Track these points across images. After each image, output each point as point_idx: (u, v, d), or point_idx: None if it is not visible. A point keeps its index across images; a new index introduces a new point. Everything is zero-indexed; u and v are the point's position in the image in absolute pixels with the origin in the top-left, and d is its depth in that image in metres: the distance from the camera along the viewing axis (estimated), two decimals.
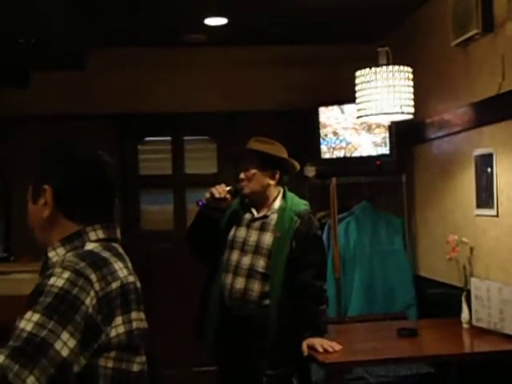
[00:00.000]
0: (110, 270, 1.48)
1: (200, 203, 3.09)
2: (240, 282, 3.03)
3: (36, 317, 1.35)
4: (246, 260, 3.05)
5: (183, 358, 4.87)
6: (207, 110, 5.04)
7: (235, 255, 3.09)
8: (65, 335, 1.34)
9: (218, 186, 3.09)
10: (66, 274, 1.41)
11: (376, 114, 3.20)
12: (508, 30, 3.11)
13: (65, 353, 1.33)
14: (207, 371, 4.74)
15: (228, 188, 3.09)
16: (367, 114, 3.23)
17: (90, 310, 1.39)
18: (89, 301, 1.39)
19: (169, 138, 5.28)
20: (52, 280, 1.40)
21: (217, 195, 3.06)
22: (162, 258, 5.03)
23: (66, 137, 4.54)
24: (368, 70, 3.22)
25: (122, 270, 1.52)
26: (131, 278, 1.55)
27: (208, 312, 3.11)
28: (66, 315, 1.36)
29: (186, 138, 5.27)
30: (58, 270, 1.43)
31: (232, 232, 3.13)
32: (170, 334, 4.74)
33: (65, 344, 1.34)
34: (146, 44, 4.74)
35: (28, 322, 1.35)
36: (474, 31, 3.33)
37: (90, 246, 1.53)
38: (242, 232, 3.12)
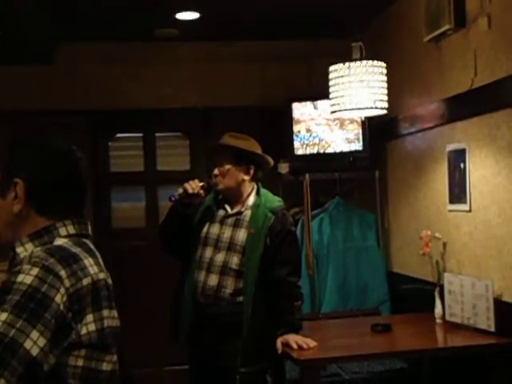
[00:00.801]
0: (80, 266, 1.44)
1: (173, 198, 3.05)
2: (213, 279, 3.00)
3: (4, 316, 1.31)
4: (220, 257, 3.02)
5: (155, 357, 4.82)
6: (180, 106, 4.99)
7: (209, 252, 3.05)
8: (34, 334, 1.30)
9: (191, 182, 3.05)
10: (35, 271, 1.36)
11: (350, 110, 3.20)
12: (480, 26, 3.12)
13: (34, 352, 1.29)
14: (179, 370, 4.70)
15: (201, 183, 3.06)
16: (341, 110, 3.22)
17: (61, 307, 1.35)
18: (59, 298, 1.35)
19: (140, 135, 5.21)
20: (20, 277, 1.36)
21: (190, 191, 3.02)
22: (134, 255, 4.97)
23: (36, 133, 4.49)
24: (341, 65, 3.21)
25: (92, 266, 1.48)
26: (102, 275, 1.51)
27: (181, 309, 3.07)
28: (36, 313, 1.32)
29: (158, 134, 5.21)
30: (25, 266, 1.38)
31: (205, 228, 3.09)
32: (143, 333, 4.69)
33: (35, 343, 1.30)
34: (117, 39, 4.67)
35: None
36: (447, 27, 3.34)
37: (59, 242, 1.48)
38: (215, 228, 3.08)
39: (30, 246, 1.48)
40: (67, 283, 1.38)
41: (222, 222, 3.09)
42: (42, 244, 1.48)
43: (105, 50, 4.75)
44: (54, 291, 1.35)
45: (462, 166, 3.37)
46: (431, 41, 3.56)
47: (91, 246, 1.56)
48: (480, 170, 3.23)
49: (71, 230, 1.52)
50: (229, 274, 2.99)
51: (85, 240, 1.55)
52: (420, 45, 3.73)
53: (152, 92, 4.94)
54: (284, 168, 4.68)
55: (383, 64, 3.28)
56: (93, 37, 4.58)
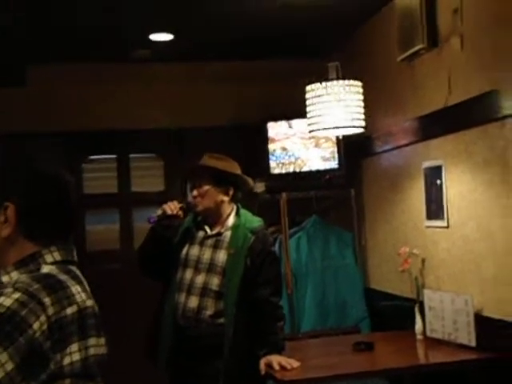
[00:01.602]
0: (66, 293, 1.41)
1: (151, 220, 3.02)
2: (193, 301, 2.98)
3: None
4: (200, 278, 3.00)
5: (132, 381, 4.73)
6: (154, 127, 4.97)
7: (189, 274, 3.03)
8: (4, 356, 1.27)
9: (170, 203, 3.04)
10: (17, 295, 1.33)
11: (328, 129, 3.22)
12: (453, 45, 3.18)
13: None
14: None
15: (180, 205, 3.04)
16: (319, 129, 3.24)
17: (38, 334, 1.31)
18: (37, 326, 1.32)
19: (114, 156, 5.17)
20: (1, 299, 1.33)
21: (169, 212, 3.00)
22: (109, 278, 4.90)
23: (22, 156, 4.41)
24: (318, 84, 3.24)
25: (79, 293, 1.45)
26: (90, 303, 1.48)
27: (161, 332, 3.03)
28: (9, 336, 1.28)
29: (132, 155, 5.18)
30: (8, 290, 1.36)
31: (185, 250, 3.07)
32: (119, 356, 4.59)
33: (1, 366, 1.26)
34: (91, 60, 4.64)
35: None
36: (420, 46, 3.40)
37: (46, 269, 1.45)
38: (195, 250, 3.06)
39: (15, 275, 1.45)
40: (50, 311, 1.35)
41: (201, 244, 3.07)
42: (27, 272, 1.45)
43: (78, 71, 4.71)
44: (33, 318, 1.32)
45: (438, 182, 3.41)
46: (404, 60, 3.62)
47: (78, 272, 1.53)
48: (457, 187, 3.27)
49: (57, 256, 1.49)
50: (209, 295, 2.97)
51: (71, 267, 1.52)
52: (393, 64, 3.78)
53: (126, 113, 4.91)
54: (260, 187, 4.68)
55: (359, 83, 3.32)
56: (66, 58, 4.55)
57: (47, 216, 1.50)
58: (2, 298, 1.33)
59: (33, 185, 1.50)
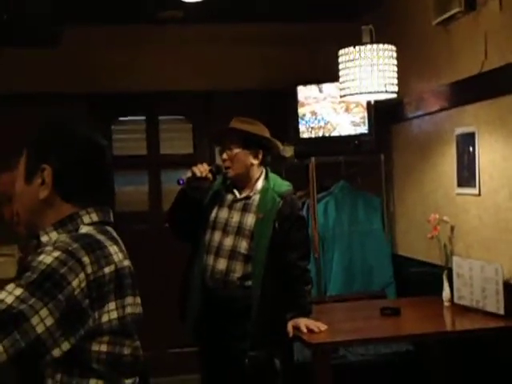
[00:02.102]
0: (104, 253, 1.43)
1: (181, 182, 3.04)
2: (222, 263, 3.00)
3: (18, 291, 1.31)
4: (228, 241, 3.02)
5: (159, 340, 4.83)
6: (183, 89, 4.95)
7: (217, 236, 3.05)
8: (44, 312, 1.30)
9: (199, 165, 3.04)
10: (57, 253, 1.36)
11: (360, 93, 3.18)
12: (491, 8, 3.11)
13: (40, 329, 1.29)
14: (184, 353, 4.74)
15: (210, 167, 3.04)
16: (351, 93, 3.20)
17: (77, 292, 1.34)
18: (76, 283, 1.35)
19: (143, 118, 5.18)
20: (41, 257, 1.36)
21: (198, 174, 3.01)
22: (137, 239, 4.94)
23: (37, 116, 4.45)
24: (352, 48, 3.19)
25: (117, 253, 1.48)
26: (126, 262, 1.51)
27: (190, 293, 3.07)
28: (49, 293, 1.31)
29: (160, 117, 5.18)
30: (48, 248, 1.39)
31: (214, 213, 3.09)
32: (147, 315, 4.68)
33: (42, 321, 1.29)
34: (120, 21, 4.61)
35: (9, 294, 1.31)
36: (456, 9, 3.32)
37: (84, 229, 1.47)
38: (223, 213, 3.08)
39: (54, 235, 1.47)
40: (89, 270, 1.37)
41: (230, 207, 3.08)
42: (66, 232, 1.47)
43: (108, 32, 4.69)
44: (72, 275, 1.34)
45: (470, 149, 3.37)
46: (440, 24, 3.55)
47: (114, 233, 1.55)
48: (489, 154, 3.23)
49: (94, 217, 1.51)
50: (237, 258, 3.00)
51: (108, 228, 1.54)
52: (428, 28, 3.70)
53: (156, 75, 4.90)
54: (288, 151, 4.66)
55: (393, 47, 3.26)
56: (96, 19, 4.53)
57: (83, 178, 1.51)
58: (43, 256, 1.36)
59: (69, 147, 1.51)
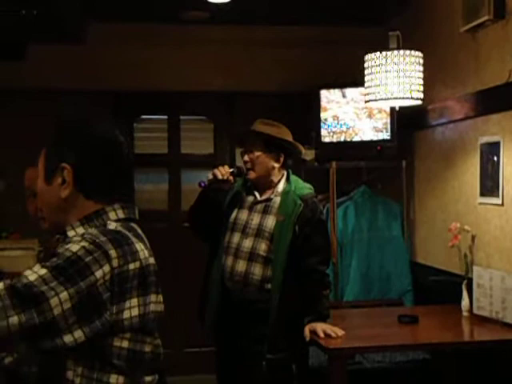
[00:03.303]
0: (131, 249, 1.45)
1: (202, 184, 3.04)
2: (241, 265, 3.00)
3: (42, 271, 1.35)
4: (247, 243, 3.01)
5: (176, 339, 4.84)
6: (205, 90, 4.96)
7: (236, 237, 3.05)
8: (64, 295, 1.33)
9: (220, 168, 3.03)
10: (84, 243, 1.39)
11: (385, 99, 3.16)
12: None
13: (56, 311, 1.32)
14: (200, 352, 4.74)
15: (231, 170, 3.04)
16: (376, 99, 3.18)
17: (100, 283, 1.36)
18: (100, 274, 1.37)
19: (165, 117, 5.20)
20: (68, 245, 1.39)
21: (219, 176, 3.01)
22: (156, 238, 4.90)
23: (61, 112, 4.48)
24: (378, 53, 3.17)
25: (143, 251, 1.49)
26: (151, 260, 1.52)
27: (209, 294, 3.07)
28: (72, 279, 1.34)
29: (182, 117, 5.20)
30: (76, 238, 1.42)
31: (234, 214, 3.09)
32: (165, 314, 4.69)
33: (60, 304, 1.32)
34: (146, 20, 4.64)
35: (33, 273, 1.35)
36: (485, 17, 3.29)
37: (111, 226, 1.48)
38: (243, 214, 3.07)
39: (80, 230, 1.49)
40: (115, 263, 1.39)
41: (250, 208, 3.08)
42: (93, 227, 1.48)
43: (133, 30, 4.71)
44: (96, 266, 1.36)
45: (495, 158, 3.34)
46: (468, 31, 3.52)
47: (139, 230, 1.56)
48: None
49: (120, 214, 1.52)
50: (257, 260, 2.99)
51: (133, 225, 1.55)
52: (456, 35, 3.68)
53: (179, 75, 4.91)
54: (309, 155, 4.65)
55: (420, 54, 3.24)
56: (122, 17, 4.55)
57: (104, 175, 1.52)
58: (70, 244, 1.39)
59: (88, 144, 1.52)
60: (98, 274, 1.36)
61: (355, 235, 4.38)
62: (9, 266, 3.48)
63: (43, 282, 1.32)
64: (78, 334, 1.34)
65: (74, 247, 1.38)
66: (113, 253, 1.39)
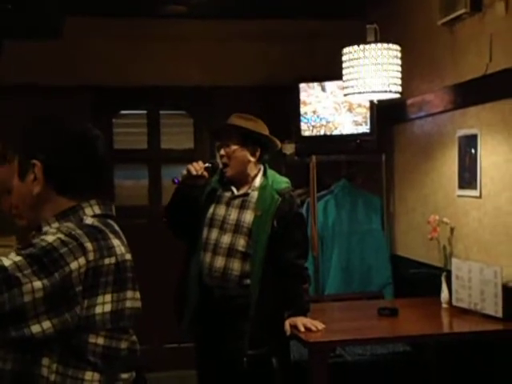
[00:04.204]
0: (107, 244, 1.44)
1: (176, 181, 3.02)
2: (220, 261, 2.99)
3: (17, 258, 1.34)
4: (226, 239, 3.00)
5: (155, 335, 4.82)
6: (184, 84, 4.93)
7: (214, 233, 3.03)
8: (37, 284, 1.31)
9: (195, 163, 3.00)
10: (60, 235, 1.38)
11: (363, 92, 3.17)
12: (497, 10, 3.09)
13: (27, 298, 1.31)
14: (179, 348, 4.74)
15: (205, 165, 3.01)
16: (354, 92, 3.19)
17: (74, 275, 1.35)
18: (75, 266, 1.35)
19: (145, 112, 5.17)
20: (44, 236, 1.39)
21: (193, 172, 2.97)
22: (136, 233, 4.88)
23: (38, 109, 4.44)
24: (356, 47, 3.18)
25: (119, 246, 1.48)
26: (128, 256, 1.51)
27: (187, 291, 3.05)
28: (46, 269, 1.33)
29: (162, 112, 5.16)
30: (52, 230, 1.41)
31: (211, 210, 3.06)
32: (144, 311, 4.66)
33: (32, 292, 1.31)
34: (123, 14, 4.60)
35: (8, 259, 1.34)
36: (462, 10, 3.31)
37: (89, 221, 1.47)
38: (221, 210, 3.06)
39: (56, 225, 1.47)
40: (90, 256, 1.38)
41: (228, 204, 3.06)
42: (68, 223, 1.46)
43: (110, 25, 4.67)
44: (71, 257, 1.35)
45: (472, 151, 3.36)
46: (445, 24, 3.53)
47: (116, 227, 1.55)
48: (492, 157, 3.22)
49: (97, 210, 1.51)
50: (235, 255, 2.98)
51: (110, 221, 1.54)
52: (433, 28, 3.69)
53: (157, 69, 4.88)
54: (289, 149, 4.65)
55: (398, 47, 3.25)
56: (98, 11, 4.51)
57: (76, 171, 1.51)
58: (45, 236, 1.39)
59: (58, 141, 1.51)
60: (73, 265, 1.35)
61: (336, 229, 4.39)
62: None
63: (17, 268, 1.31)
64: (47, 325, 1.33)
65: (50, 238, 1.37)
66: (89, 246, 1.39)
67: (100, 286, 1.39)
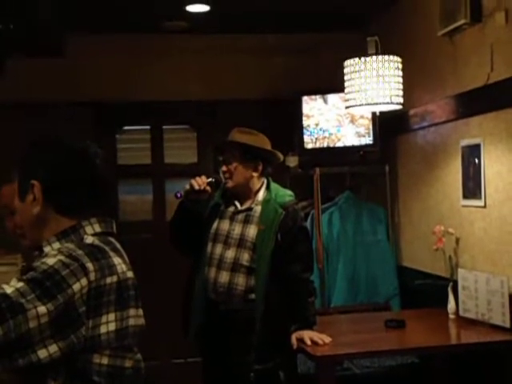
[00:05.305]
0: (108, 263, 1.44)
1: (178, 195, 3.00)
2: (224, 276, 2.97)
3: (19, 284, 1.33)
4: (230, 253, 2.99)
5: (163, 350, 4.81)
6: (187, 99, 4.95)
7: (218, 248, 3.02)
8: (41, 309, 1.31)
9: (197, 178, 2.99)
10: (60, 256, 1.38)
11: (365, 104, 3.17)
12: (497, 20, 3.09)
13: (32, 324, 1.30)
14: (187, 363, 4.72)
15: (208, 180, 3.00)
16: (356, 105, 3.19)
17: (77, 297, 1.35)
18: (78, 287, 1.35)
19: (148, 127, 5.18)
20: (44, 259, 1.38)
21: (196, 187, 2.96)
22: (141, 248, 4.93)
23: (43, 124, 4.45)
24: (357, 59, 3.18)
25: (120, 265, 1.48)
26: (130, 274, 1.51)
27: (192, 306, 3.04)
28: (49, 293, 1.32)
29: (165, 126, 5.19)
30: (53, 252, 1.41)
31: (215, 225, 3.06)
32: (150, 326, 4.65)
33: (37, 317, 1.30)
34: (125, 31, 4.63)
35: (10, 287, 1.33)
36: (462, 21, 3.31)
37: (89, 240, 1.47)
38: (225, 225, 3.05)
39: (56, 245, 1.47)
40: (92, 277, 1.38)
41: (231, 218, 3.05)
42: (70, 242, 1.47)
43: (113, 41, 4.70)
44: (73, 279, 1.35)
45: (476, 161, 3.36)
46: (445, 35, 3.53)
47: (117, 245, 1.55)
48: (495, 166, 3.21)
49: (97, 228, 1.51)
50: (240, 270, 2.97)
51: (111, 239, 1.53)
52: (433, 39, 3.69)
53: (160, 84, 4.90)
54: (292, 161, 4.66)
55: (399, 59, 3.25)
56: (101, 29, 4.54)
57: (75, 191, 1.51)
58: (46, 258, 1.38)
59: (56, 161, 1.51)
60: (76, 287, 1.35)
61: (341, 240, 4.38)
62: None
63: (20, 295, 1.30)
64: (53, 348, 1.32)
65: (51, 260, 1.37)
66: (90, 266, 1.38)
67: (103, 305, 1.39)
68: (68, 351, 1.34)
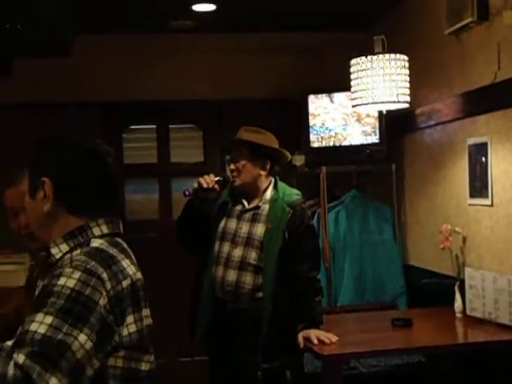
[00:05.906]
0: (119, 267, 1.43)
1: (186, 193, 3.00)
2: (232, 275, 2.98)
3: (49, 319, 1.29)
4: (237, 252, 2.99)
5: (170, 348, 4.82)
6: (193, 98, 4.96)
7: (226, 247, 3.03)
8: (82, 337, 1.29)
9: (206, 176, 2.99)
10: (77, 274, 1.35)
11: (372, 103, 3.17)
12: (505, 19, 3.08)
13: (79, 355, 1.28)
14: (194, 361, 4.72)
15: (217, 178, 3.00)
16: (362, 103, 3.19)
17: (103, 310, 1.34)
18: (102, 301, 1.34)
19: (154, 127, 5.19)
20: (62, 280, 1.34)
21: (205, 185, 2.96)
22: (147, 247, 4.94)
23: (49, 125, 4.47)
24: (363, 58, 3.18)
25: (130, 266, 1.47)
26: (139, 275, 1.51)
27: (199, 305, 3.05)
28: (82, 317, 1.30)
29: (171, 126, 5.19)
30: (67, 269, 1.36)
31: (222, 223, 3.06)
32: (157, 325, 4.66)
33: (82, 346, 1.28)
34: (132, 30, 4.64)
35: (41, 324, 1.28)
36: (469, 19, 3.30)
37: (96, 243, 1.46)
38: (232, 223, 3.05)
39: (64, 247, 1.46)
40: (108, 285, 1.37)
41: (239, 217, 3.05)
42: (76, 244, 1.46)
43: (120, 41, 4.72)
44: (97, 294, 1.34)
45: (483, 159, 3.35)
46: (452, 33, 3.52)
47: (125, 245, 1.54)
48: (502, 165, 3.21)
49: (105, 229, 1.50)
50: (247, 269, 2.97)
51: (118, 239, 1.53)
52: (440, 37, 3.68)
53: (166, 84, 4.91)
54: (299, 160, 4.66)
55: (405, 57, 3.25)
56: (108, 28, 4.56)
57: (85, 189, 1.50)
58: (64, 279, 1.34)
59: (67, 159, 1.50)
60: (101, 301, 1.34)
61: (347, 239, 4.38)
62: (0, 280, 3.45)
63: (56, 330, 1.27)
64: (96, 364, 1.33)
65: (70, 282, 1.33)
66: (105, 276, 1.37)
67: (125, 309, 1.40)
68: (104, 360, 1.35)
